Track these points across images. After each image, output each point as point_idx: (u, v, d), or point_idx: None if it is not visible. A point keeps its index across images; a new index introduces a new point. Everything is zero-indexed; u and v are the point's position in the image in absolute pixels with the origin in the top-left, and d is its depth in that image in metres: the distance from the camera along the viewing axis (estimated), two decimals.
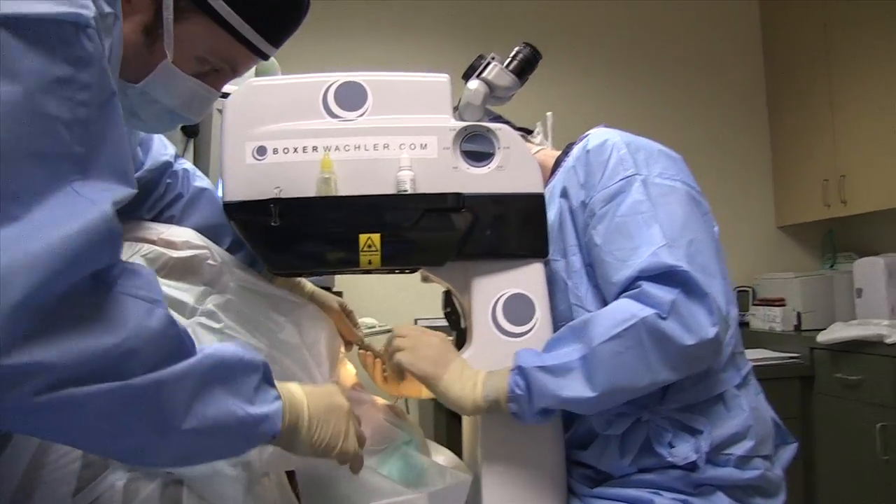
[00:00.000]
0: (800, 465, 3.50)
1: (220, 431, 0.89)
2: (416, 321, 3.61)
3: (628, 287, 1.25)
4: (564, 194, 1.41)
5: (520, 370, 1.26)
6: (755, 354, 3.57)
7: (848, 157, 3.79)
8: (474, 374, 1.31)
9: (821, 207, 3.98)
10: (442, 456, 1.46)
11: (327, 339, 1.33)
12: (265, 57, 1.19)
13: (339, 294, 3.08)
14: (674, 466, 1.30)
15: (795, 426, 3.47)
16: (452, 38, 4.10)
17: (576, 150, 1.42)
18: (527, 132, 1.57)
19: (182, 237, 1.29)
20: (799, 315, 3.83)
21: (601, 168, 1.34)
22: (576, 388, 1.21)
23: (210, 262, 1.28)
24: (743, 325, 4.15)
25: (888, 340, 3.02)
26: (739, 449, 1.31)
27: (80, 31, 0.78)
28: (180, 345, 0.86)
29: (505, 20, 4.19)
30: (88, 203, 0.76)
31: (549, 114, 1.50)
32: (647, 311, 1.20)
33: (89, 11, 0.80)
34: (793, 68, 4.23)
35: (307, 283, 1.48)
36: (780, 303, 3.92)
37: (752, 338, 3.94)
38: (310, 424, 1.03)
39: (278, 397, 0.99)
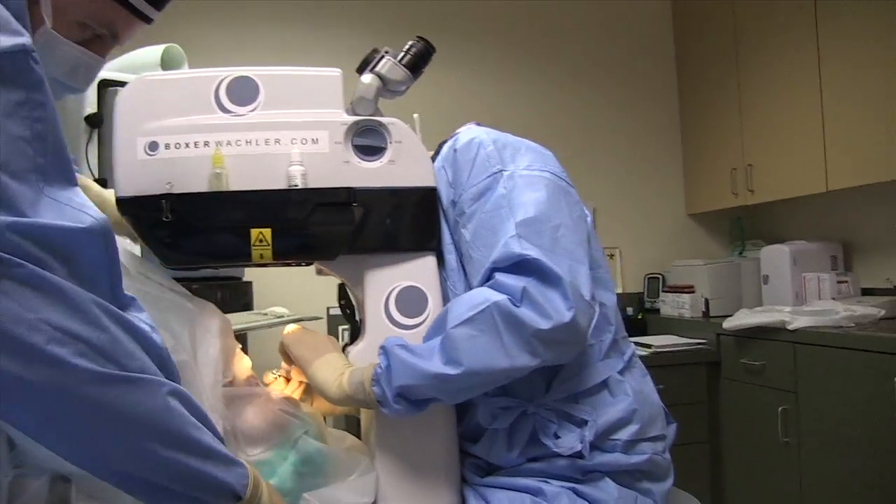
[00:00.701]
0: (707, 448, 3.63)
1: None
2: (328, 310, 3.63)
3: (487, 280, 1.28)
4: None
5: (382, 349, 1.29)
6: (664, 340, 3.68)
7: (755, 148, 3.92)
8: (346, 366, 1.35)
9: (729, 196, 4.11)
10: (345, 442, 1.48)
11: (222, 338, 1.34)
12: (147, 20, 1.22)
13: (248, 284, 3.11)
14: (561, 455, 1.33)
15: (702, 411, 3.60)
16: (353, 31, 4.08)
17: (444, 150, 1.44)
18: None
19: None
20: (707, 301, 3.96)
21: (468, 166, 1.37)
22: (435, 365, 1.23)
23: None
24: (653, 311, 4.28)
25: (790, 327, 3.14)
26: (625, 433, 1.36)
27: (28, 56, 0.84)
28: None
29: (405, 15, 4.20)
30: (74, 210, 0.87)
31: (415, 115, 1.51)
32: (499, 296, 1.22)
33: (27, 38, 0.85)
34: (703, 62, 4.35)
35: None
36: (689, 290, 4.04)
37: (661, 324, 4.07)
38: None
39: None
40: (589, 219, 1.46)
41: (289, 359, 1.43)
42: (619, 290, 4.26)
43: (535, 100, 4.37)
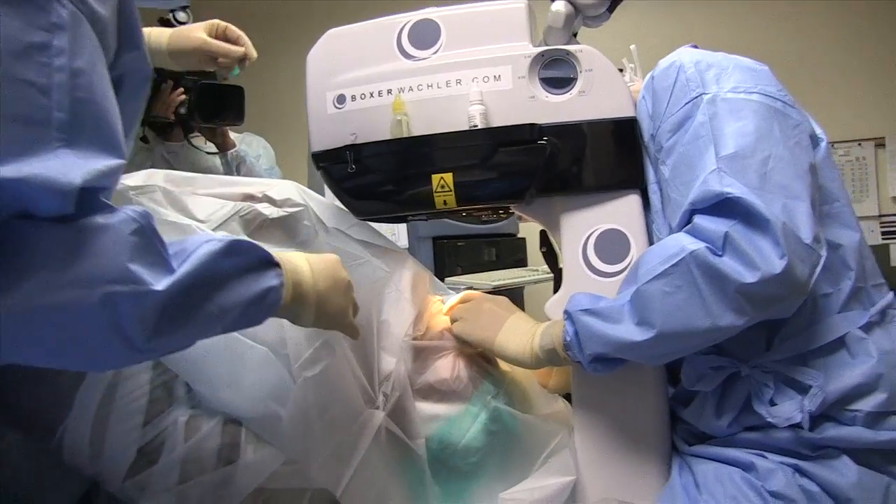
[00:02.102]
0: None
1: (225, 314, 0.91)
2: None
3: (686, 224, 1.11)
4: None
5: (567, 315, 1.17)
6: None
7: None
8: (532, 327, 1.24)
9: None
10: (554, 405, 1.39)
11: (414, 293, 1.31)
12: None
13: (522, 240, 3.10)
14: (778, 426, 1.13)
15: None
16: None
17: (646, 79, 1.27)
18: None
19: (284, 194, 1.31)
20: None
21: (667, 94, 1.19)
22: (625, 330, 1.09)
23: (305, 222, 1.29)
24: None
25: None
26: (868, 403, 1.10)
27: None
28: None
29: None
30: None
31: (632, 47, 1.36)
32: (697, 245, 1.05)
33: None
34: None
35: None
36: None
37: None
38: (318, 299, 1.04)
39: (280, 275, 0.98)
40: (824, 143, 1.23)
41: (468, 345, 1.32)
42: None
43: (819, 19, 3.83)
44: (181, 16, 2.62)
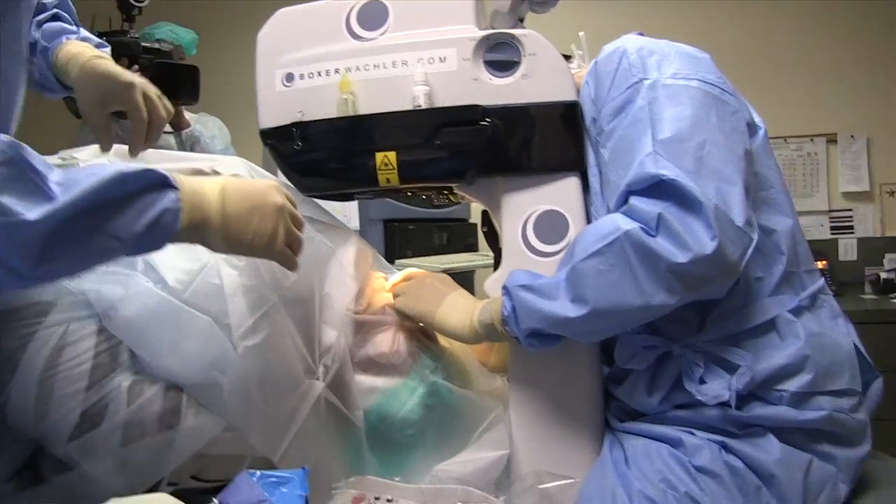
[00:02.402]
0: None
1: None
2: None
3: (622, 205, 1.14)
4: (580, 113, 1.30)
5: (505, 290, 1.20)
6: None
7: None
8: (472, 303, 1.28)
9: None
10: (493, 384, 1.42)
11: (357, 268, 1.34)
12: None
13: (473, 226, 3.14)
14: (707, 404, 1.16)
15: None
16: None
17: (590, 64, 1.31)
18: (565, 58, 1.46)
19: (232, 169, 1.33)
20: None
21: (609, 78, 1.22)
22: (560, 306, 1.12)
23: None
24: None
25: None
26: (794, 384, 1.14)
27: None
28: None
29: None
30: None
31: (581, 34, 1.39)
32: (631, 225, 1.08)
33: None
34: None
35: None
36: None
37: None
38: (224, 221, 1.02)
39: (177, 198, 0.97)
40: (762, 131, 1.26)
41: (410, 319, 1.36)
42: None
43: (773, 15, 3.89)
44: None
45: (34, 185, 0.84)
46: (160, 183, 0.96)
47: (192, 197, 0.99)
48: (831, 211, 3.89)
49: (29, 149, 0.86)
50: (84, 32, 1.46)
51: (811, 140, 3.90)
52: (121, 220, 0.92)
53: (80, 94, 1.35)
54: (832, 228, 3.89)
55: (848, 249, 3.83)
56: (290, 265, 1.14)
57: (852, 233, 3.85)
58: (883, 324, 3.05)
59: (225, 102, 3.14)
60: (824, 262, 3.69)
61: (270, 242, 1.08)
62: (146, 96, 1.33)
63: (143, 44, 2.55)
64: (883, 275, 3.56)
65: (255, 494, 0.77)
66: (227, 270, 1.18)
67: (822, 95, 3.85)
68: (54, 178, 0.87)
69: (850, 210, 3.87)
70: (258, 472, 0.84)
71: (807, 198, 3.90)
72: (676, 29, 3.65)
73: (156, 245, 0.99)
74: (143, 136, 1.32)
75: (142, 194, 0.94)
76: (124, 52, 2.46)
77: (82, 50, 1.38)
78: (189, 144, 2.64)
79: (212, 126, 2.88)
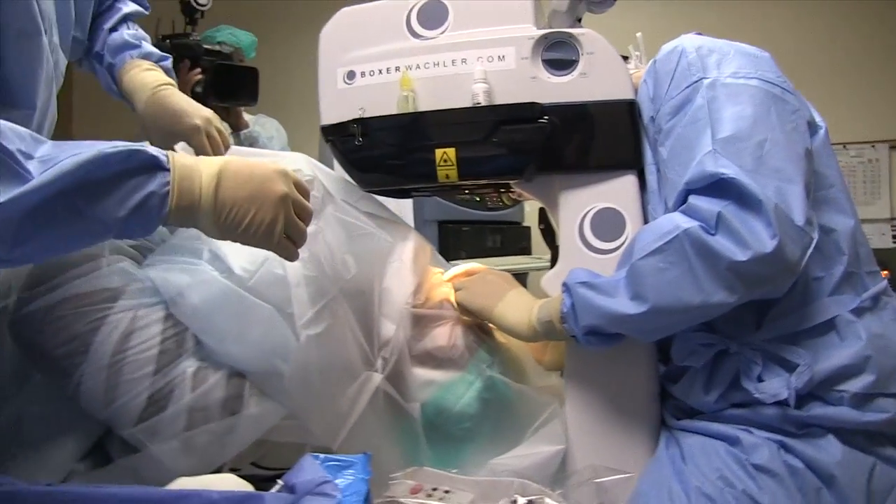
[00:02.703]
0: None
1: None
2: None
3: (681, 203, 1.15)
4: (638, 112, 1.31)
5: (565, 287, 1.21)
6: None
7: None
8: (532, 301, 1.29)
9: None
10: (549, 380, 1.43)
11: (415, 263, 1.36)
12: None
13: (527, 229, 3.14)
14: (766, 403, 1.15)
15: None
16: None
17: (649, 63, 1.31)
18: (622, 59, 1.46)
19: (295, 165, 1.36)
20: None
21: (668, 77, 1.22)
22: (620, 303, 1.13)
23: (314, 193, 1.34)
24: None
25: None
26: (855, 385, 1.12)
27: None
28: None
29: None
30: None
31: (638, 34, 1.40)
32: (690, 223, 1.09)
33: None
34: None
35: None
36: None
37: None
38: (217, 207, 0.98)
39: (166, 181, 0.94)
40: (822, 130, 1.25)
41: (469, 314, 1.37)
42: None
43: (833, 18, 3.83)
44: None
45: (6, 166, 0.82)
46: (149, 164, 0.93)
47: (183, 180, 0.95)
48: (893, 219, 3.82)
49: (3, 127, 0.85)
50: (146, 46, 1.48)
51: (872, 146, 3.84)
52: (104, 202, 0.89)
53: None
54: (894, 237, 3.81)
55: None
56: (290, 256, 1.08)
57: None
58: None
59: (282, 104, 3.20)
60: (887, 272, 3.61)
61: (268, 232, 1.02)
62: (209, 135, 1.34)
63: (205, 46, 2.62)
64: None
65: (319, 476, 0.79)
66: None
67: (883, 100, 3.79)
68: (40, 153, 0.86)
69: None
70: (321, 456, 0.87)
71: (868, 205, 3.84)
72: (735, 30, 3.61)
73: (145, 228, 0.96)
74: None
75: (128, 176, 0.91)
76: (187, 54, 2.54)
77: (147, 79, 1.39)
78: (247, 144, 2.70)
79: (269, 127, 2.93)
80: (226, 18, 2.91)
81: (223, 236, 1.02)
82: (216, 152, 1.33)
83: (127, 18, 1.49)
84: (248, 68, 2.64)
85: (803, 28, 3.88)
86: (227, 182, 0.98)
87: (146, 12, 1.56)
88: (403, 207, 2.60)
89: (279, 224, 1.02)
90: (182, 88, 2.48)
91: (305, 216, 1.07)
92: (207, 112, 1.37)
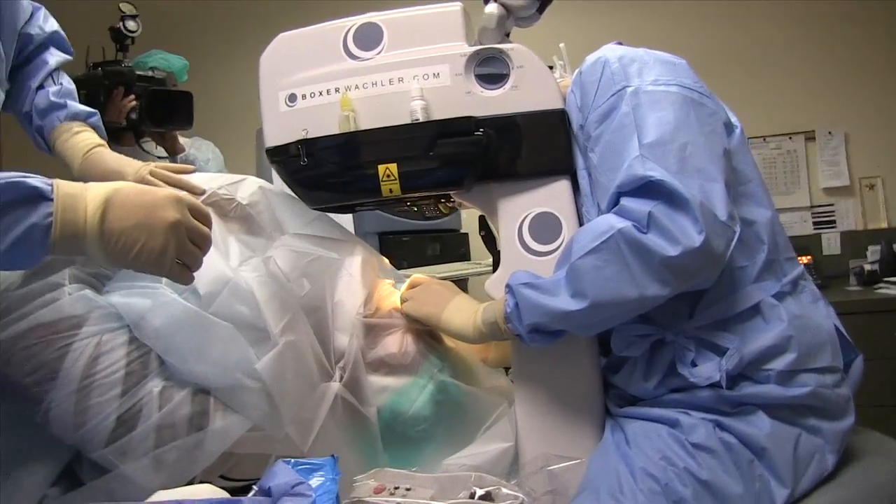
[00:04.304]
0: None
1: None
2: None
3: (614, 206, 1.23)
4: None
5: (508, 288, 1.28)
6: None
7: None
8: (476, 305, 1.36)
9: None
10: (498, 381, 1.51)
11: (364, 276, 1.42)
12: None
13: (464, 236, 3.21)
14: (701, 386, 1.24)
15: None
16: None
17: (575, 74, 1.39)
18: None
19: (249, 188, 1.46)
20: None
21: (594, 87, 1.31)
22: (561, 301, 1.20)
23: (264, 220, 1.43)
24: None
25: None
26: (780, 363, 1.22)
27: None
28: None
29: None
30: None
31: (561, 45, 1.48)
32: (624, 223, 1.16)
33: None
34: None
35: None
36: None
37: None
38: (104, 236, 0.98)
39: (49, 212, 0.94)
40: (738, 130, 1.35)
41: (417, 322, 1.44)
42: (884, 225, 3.84)
43: (747, 17, 3.98)
44: (131, 24, 2.70)
45: None
46: (31, 195, 0.93)
47: (66, 211, 0.95)
48: (813, 206, 3.98)
49: None
50: (73, 106, 1.51)
51: (790, 138, 4.00)
52: None
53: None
54: (815, 223, 3.98)
55: (831, 243, 3.93)
56: (184, 281, 1.09)
57: (834, 227, 3.94)
58: (869, 313, 3.12)
59: (218, 125, 3.22)
60: (809, 257, 3.78)
61: (159, 260, 1.02)
62: (146, 181, 1.38)
63: (138, 72, 2.63)
64: (867, 266, 3.64)
65: (292, 478, 0.84)
66: (253, 278, 1.27)
67: (798, 94, 3.95)
68: None
69: (831, 205, 3.96)
70: (292, 460, 0.91)
71: (788, 195, 3.99)
72: (653, 33, 3.78)
73: (29, 260, 0.96)
74: None
75: (10, 208, 0.91)
76: (120, 81, 2.54)
77: (78, 144, 1.46)
78: None
79: (206, 149, 2.94)
80: (156, 43, 2.92)
81: (113, 264, 1.04)
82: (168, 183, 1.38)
83: (53, 72, 1.52)
84: (181, 92, 2.66)
85: (716, 26, 4.02)
86: (115, 211, 0.99)
87: (70, 58, 1.59)
88: (343, 222, 2.66)
89: (170, 251, 1.03)
90: (116, 116, 2.50)
91: (201, 241, 1.08)
92: (136, 163, 1.44)
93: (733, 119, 1.37)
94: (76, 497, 1.13)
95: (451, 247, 3.17)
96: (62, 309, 1.15)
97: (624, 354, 1.31)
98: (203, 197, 1.39)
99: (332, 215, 1.58)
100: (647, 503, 1.14)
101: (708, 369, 1.23)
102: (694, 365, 1.24)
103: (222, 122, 3.31)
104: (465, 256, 3.19)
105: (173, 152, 2.74)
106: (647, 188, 1.17)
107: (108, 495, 1.11)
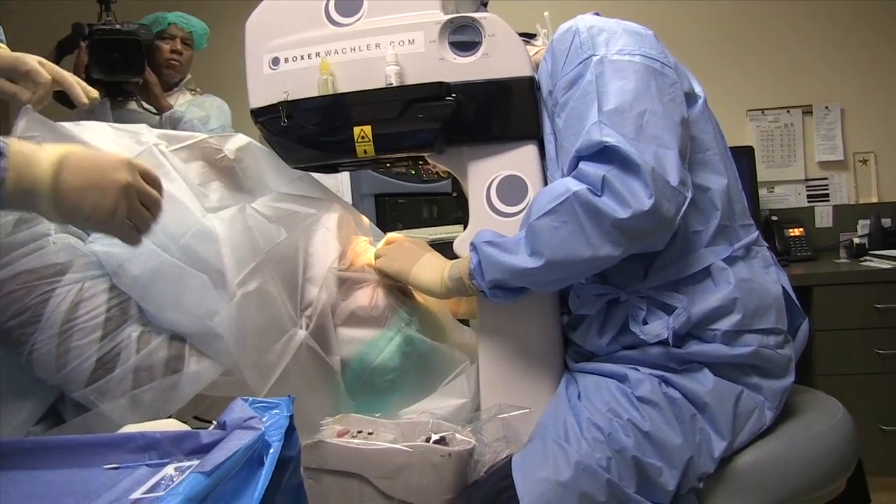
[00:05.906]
0: None
1: None
2: None
3: (573, 169, 1.28)
4: (538, 86, 1.44)
5: (472, 246, 1.35)
6: None
7: None
8: (444, 262, 1.44)
9: None
10: (463, 337, 1.59)
11: (339, 231, 1.49)
12: None
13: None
14: (652, 343, 1.31)
15: None
16: None
17: (547, 42, 1.45)
18: (529, 36, 1.59)
19: (236, 144, 1.52)
20: None
21: (563, 55, 1.36)
22: (520, 259, 1.27)
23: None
24: None
25: None
26: (725, 324, 1.30)
27: None
28: None
29: None
30: None
31: (546, 13, 1.53)
32: (579, 186, 1.22)
33: None
34: None
35: None
36: None
37: None
38: (56, 193, 0.99)
39: (2, 167, 0.95)
40: (700, 100, 1.40)
41: (389, 278, 1.51)
42: (874, 200, 3.88)
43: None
44: None
45: None
46: None
47: (21, 167, 0.96)
48: (808, 180, 4.01)
49: None
50: None
51: (787, 111, 4.01)
52: None
53: None
54: (809, 196, 4.01)
55: (824, 216, 3.95)
56: (132, 241, 1.11)
57: (828, 200, 3.97)
58: (856, 284, 3.16)
59: (228, 85, 3.24)
60: (801, 229, 3.82)
61: (109, 219, 1.04)
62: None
63: (102, 26, 2.62)
64: (856, 240, 3.69)
65: (247, 413, 0.91)
66: (222, 224, 1.34)
67: (797, 68, 3.96)
68: None
69: (825, 178, 3.99)
70: (250, 399, 0.99)
71: (785, 167, 4.02)
72: (650, 7, 3.77)
73: None
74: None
75: None
76: (85, 37, 2.57)
77: None
78: (169, 125, 2.72)
79: (209, 106, 2.98)
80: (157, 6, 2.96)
81: (64, 222, 1.10)
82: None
83: None
84: (127, 39, 2.61)
85: (723, 3, 4.02)
86: (68, 171, 1.00)
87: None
88: (342, 183, 2.72)
89: (120, 212, 1.05)
90: (76, 72, 2.48)
91: (152, 204, 1.11)
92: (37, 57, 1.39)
93: (697, 89, 1.41)
94: (56, 433, 1.20)
95: (448, 210, 3.21)
96: (47, 256, 1.23)
97: (581, 312, 1.38)
98: (192, 141, 1.47)
99: (330, 177, 1.65)
100: (590, 451, 1.21)
101: (657, 327, 1.30)
102: (645, 323, 1.31)
103: (233, 82, 3.36)
104: (461, 220, 3.23)
105: (160, 109, 2.79)
106: (603, 153, 1.23)
107: (86, 431, 1.19)
